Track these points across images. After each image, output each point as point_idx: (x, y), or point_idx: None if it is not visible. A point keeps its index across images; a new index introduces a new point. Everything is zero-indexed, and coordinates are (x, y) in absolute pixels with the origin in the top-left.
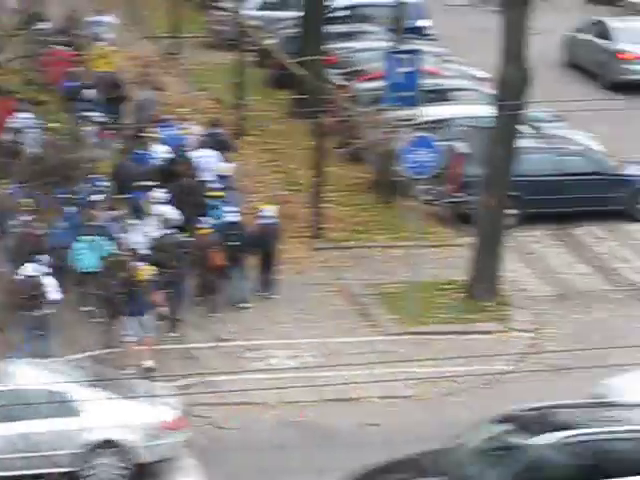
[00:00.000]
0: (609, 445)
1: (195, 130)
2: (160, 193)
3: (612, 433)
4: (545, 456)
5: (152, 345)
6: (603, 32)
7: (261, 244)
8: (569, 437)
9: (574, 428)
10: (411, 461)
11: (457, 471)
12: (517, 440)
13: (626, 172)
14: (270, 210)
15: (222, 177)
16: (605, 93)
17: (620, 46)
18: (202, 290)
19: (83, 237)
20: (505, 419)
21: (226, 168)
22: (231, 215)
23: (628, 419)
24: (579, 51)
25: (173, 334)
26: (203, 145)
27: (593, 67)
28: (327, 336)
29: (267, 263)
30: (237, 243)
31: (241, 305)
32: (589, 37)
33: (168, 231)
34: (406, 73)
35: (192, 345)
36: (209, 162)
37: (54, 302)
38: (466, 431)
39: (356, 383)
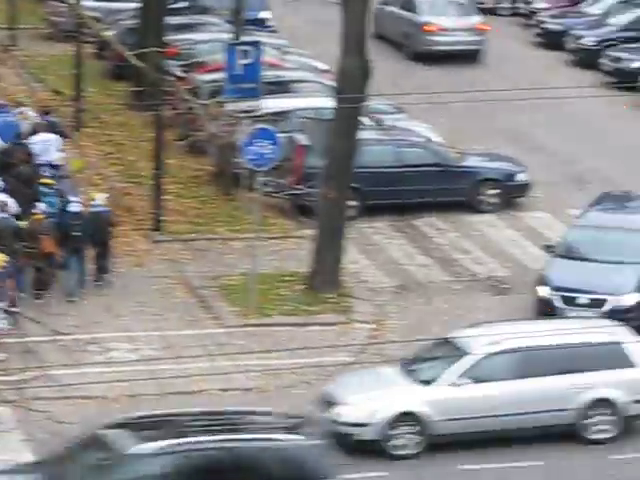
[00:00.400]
0: (212, 454)
1: (30, 115)
2: None
3: (218, 442)
4: (145, 465)
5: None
6: (409, 4)
7: (93, 232)
8: (170, 446)
9: (179, 437)
10: (38, 464)
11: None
12: (120, 448)
13: (467, 163)
14: (101, 198)
15: (54, 165)
16: (409, 64)
17: (425, 18)
18: (38, 282)
19: None
20: (117, 425)
21: (59, 156)
22: (73, 205)
23: (246, 427)
24: (386, 23)
25: (12, 326)
26: (38, 130)
27: (399, 38)
28: (168, 329)
29: (101, 252)
30: (79, 233)
31: (79, 297)
32: (395, 9)
33: (4, 215)
34: (247, 65)
35: (31, 338)
36: (46, 148)
37: None
38: (76, 437)
39: (197, 376)
